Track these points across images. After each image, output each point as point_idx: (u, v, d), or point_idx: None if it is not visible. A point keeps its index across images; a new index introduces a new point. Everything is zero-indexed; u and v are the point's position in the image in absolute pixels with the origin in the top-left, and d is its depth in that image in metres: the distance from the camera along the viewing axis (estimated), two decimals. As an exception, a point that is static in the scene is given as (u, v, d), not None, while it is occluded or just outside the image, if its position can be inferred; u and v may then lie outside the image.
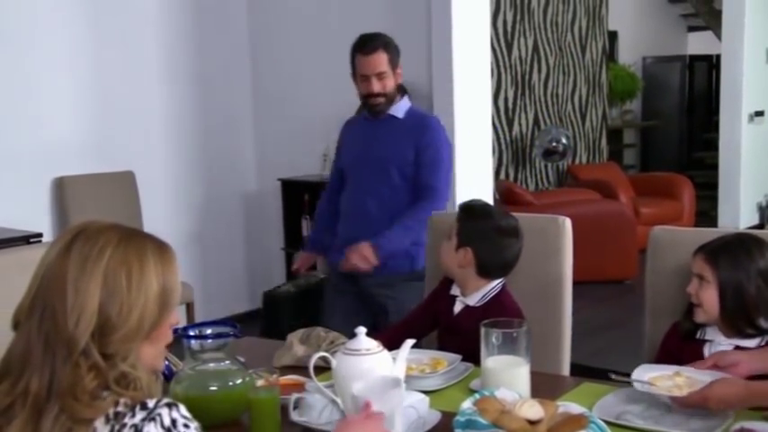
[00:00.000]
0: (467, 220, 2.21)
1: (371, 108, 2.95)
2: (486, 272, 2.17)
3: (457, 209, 2.33)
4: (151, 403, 1.15)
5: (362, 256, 2.79)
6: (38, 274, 1.21)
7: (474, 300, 2.17)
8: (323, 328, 2.19)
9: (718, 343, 1.93)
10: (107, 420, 1.14)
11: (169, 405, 1.16)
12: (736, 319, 1.89)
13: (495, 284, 2.18)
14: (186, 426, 1.15)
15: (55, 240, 1.25)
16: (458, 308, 2.21)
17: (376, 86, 2.89)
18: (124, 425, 1.13)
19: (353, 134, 3.08)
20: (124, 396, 1.16)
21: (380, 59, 2.90)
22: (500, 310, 2.01)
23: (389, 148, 2.94)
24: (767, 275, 1.89)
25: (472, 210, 2.26)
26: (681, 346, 2.00)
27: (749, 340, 1.90)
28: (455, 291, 2.24)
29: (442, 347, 2.16)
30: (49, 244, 1.26)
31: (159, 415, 1.14)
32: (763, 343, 1.89)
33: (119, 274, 1.19)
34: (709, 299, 1.91)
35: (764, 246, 1.93)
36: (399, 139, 2.93)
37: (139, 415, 1.14)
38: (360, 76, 2.91)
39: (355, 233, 2.89)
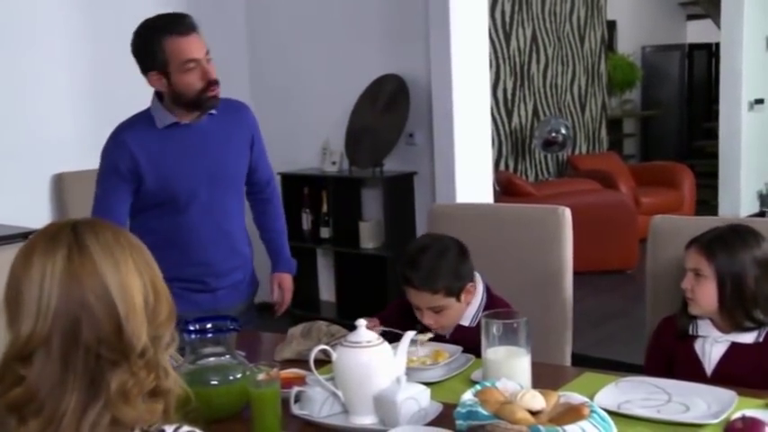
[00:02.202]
0: (444, 279, 2.00)
1: (207, 102, 2.29)
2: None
3: (416, 285, 2.02)
4: (170, 430, 1.05)
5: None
6: (47, 289, 1.02)
7: (468, 320, 2.08)
8: (324, 322, 2.18)
9: (714, 339, 1.90)
10: None
11: None
12: (735, 312, 1.86)
13: (481, 293, 2.10)
14: None
15: (38, 248, 1.06)
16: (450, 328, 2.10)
17: (213, 71, 2.27)
18: None
19: (161, 146, 2.33)
20: (162, 387, 1.07)
21: (201, 38, 2.26)
22: None
23: (231, 155, 2.41)
24: (765, 264, 1.86)
25: (434, 271, 2.00)
26: (674, 342, 1.97)
27: (746, 334, 1.87)
28: None
29: None
30: (25, 256, 1.07)
31: None
32: (760, 339, 1.86)
33: (139, 255, 1.09)
34: (705, 294, 1.88)
35: (759, 235, 1.90)
36: (234, 138, 2.42)
37: None
38: (181, 63, 2.22)
39: (231, 268, 2.46)
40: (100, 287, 1.03)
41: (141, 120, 2.38)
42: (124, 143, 2.33)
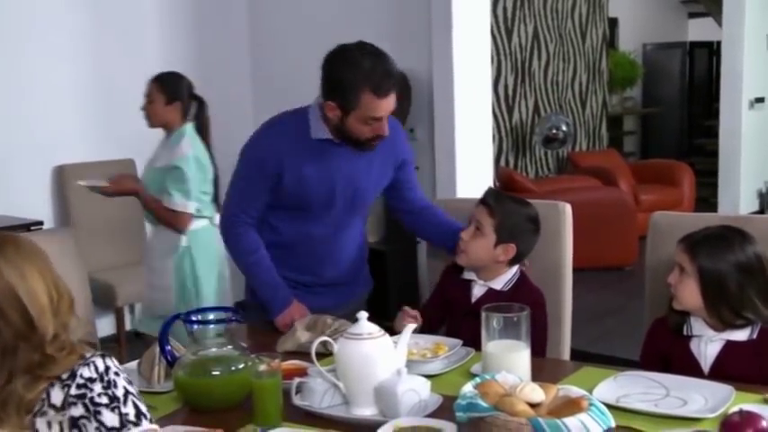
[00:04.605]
0: (506, 215, 2.17)
1: (365, 147, 2.27)
2: (517, 261, 2.20)
3: (485, 198, 2.21)
4: (88, 354, 1.33)
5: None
6: None
7: (500, 284, 2.18)
8: (330, 316, 2.18)
9: (709, 339, 1.89)
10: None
11: (103, 356, 1.33)
12: (722, 312, 1.85)
13: (516, 268, 2.21)
14: (117, 374, 1.32)
15: None
16: (479, 292, 2.19)
17: (386, 128, 2.25)
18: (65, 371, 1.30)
19: (310, 155, 2.29)
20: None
21: (394, 97, 2.22)
22: (527, 294, 2.10)
23: (372, 181, 2.39)
24: (747, 270, 1.84)
25: (508, 203, 2.21)
26: (669, 342, 1.96)
27: (739, 332, 1.86)
28: (469, 275, 2.23)
29: (457, 335, 2.11)
30: None
31: (93, 362, 1.31)
32: (753, 336, 1.85)
33: (41, 260, 1.32)
34: (686, 291, 1.87)
35: (747, 240, 1.87)
36: (376, 163, 2.37)
37: (78, 362, 1.31)
38: (366, 117, 2.18)
39: (339, 282, 2.47)
40: (12, 296, 1.25)
41: (296, 122, 2.33)
42: (275, 143, 2.31)
